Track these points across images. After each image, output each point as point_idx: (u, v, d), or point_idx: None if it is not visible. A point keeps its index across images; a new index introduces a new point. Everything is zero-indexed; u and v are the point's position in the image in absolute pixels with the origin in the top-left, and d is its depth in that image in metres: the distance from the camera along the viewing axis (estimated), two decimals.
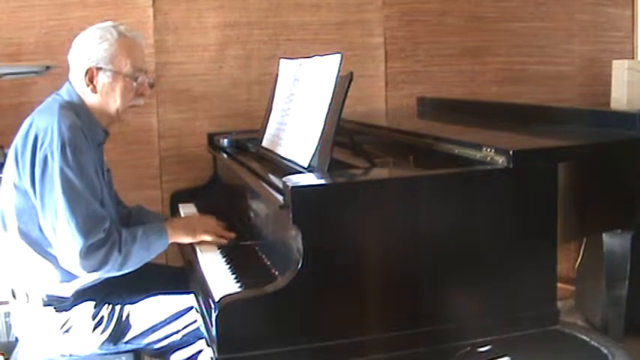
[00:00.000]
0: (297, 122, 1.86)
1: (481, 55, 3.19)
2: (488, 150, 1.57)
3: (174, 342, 1.79)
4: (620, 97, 2.90)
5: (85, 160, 1.68)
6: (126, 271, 1.72)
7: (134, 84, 1.83)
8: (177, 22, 2.82)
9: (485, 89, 3.18)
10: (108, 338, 1.75)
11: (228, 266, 1.74)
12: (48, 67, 2.36)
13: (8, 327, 2.36)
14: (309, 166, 1.67)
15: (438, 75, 3.15)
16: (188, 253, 1.93)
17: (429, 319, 1.48)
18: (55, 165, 1.64)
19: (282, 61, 2.16)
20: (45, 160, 1.65)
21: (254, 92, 2.90)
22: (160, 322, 1.77)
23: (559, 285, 1.58)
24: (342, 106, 1.62)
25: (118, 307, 1.78)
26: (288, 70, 2.08)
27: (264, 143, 2.07)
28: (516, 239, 1.53)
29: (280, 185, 1.49)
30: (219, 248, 1.88)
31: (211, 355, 1.42)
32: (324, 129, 1.65)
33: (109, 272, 1.70)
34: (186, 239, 1.89)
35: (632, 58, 3.34)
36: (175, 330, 1.78)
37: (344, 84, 1.62)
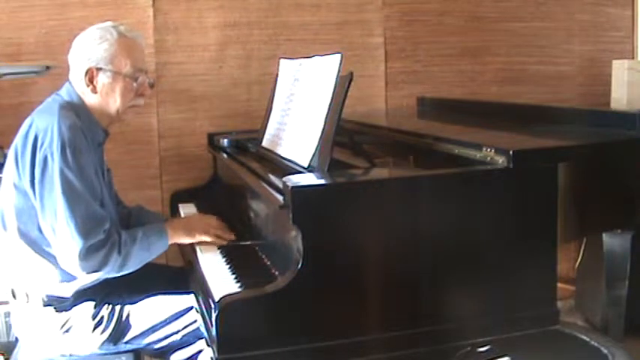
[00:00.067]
0: (297, 122, 1.86)
1: (481, 55, 3.19)
2: (488, 150, 1.57)
3: (174, 342, 1.79)
4: (620, 97, 2.90)
5: (84, 160, 1.68)
6: (126, 272, 1.72)
7: (134, 84, 1.83)
8: (177, 22, 2.82)
9: (485, 89, 3.18)
10: (108, 338, 1.75)
11: (228, 266, 1.74)
12: (48, 67, 2.36)
13: (8, 327, 2.36)
14: (309, 166, 1.67)
15: (438, 75, 3.15)
16: (188, 253, 1.93)
17: (429, 319, 1.48)
18: (54, 166, 1.64)
19: (282, 61, 2.16)
20: (45, 160, 1.65)
21: (254, 92, 2.90)
22: (160, 322, 1.77)
23: (559, 285, 1.58)
24: (342, 106, 1.62)
25: (118, 307, 1.78)
26: (288, 70, 2.08)
27: (264, 143, 2.07)
28: (516, 239, 1.53)
29: (280, 185, 1.49)
30: (219, 248, 1.88)
31: (211, 355, 1.42)
32: (324, 129, 1.65)
33: (109, 273, 1.70)
34: (186, 240, 1.89)
35: (632, 58, 3.34)
36: (175, 330, 1.78)
37: (344, 84, 1.62)
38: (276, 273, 1.63)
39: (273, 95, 2.13)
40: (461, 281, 1.50)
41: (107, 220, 1.69)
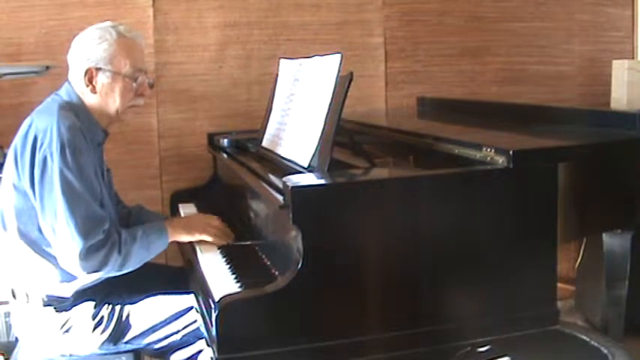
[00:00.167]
0: (297, 122, 1.86)
1: (481, 55, 3.19)
2: (488, 150, 1.57)
3: (174, 342, 1.79)
4: (620, 97, 2.90)
5: (84, 161, 1.68)
6: (126, 271, 1.72)
7: (133, 84, 1.83)
8: (177, 22, 2.82)
9: (485, 89, 3.18)
10: (108, 338, 1.75)
11: (228, 266, 1.74)
12: (48, 67, 2.36)
13: (8, 327, 2.36)
14: (309, 166, 1.67)
15: (438, 75, 3.15)
16: (188, 252, 1.93)
17: (429, 319, 1.48)
18: (54, 166, 1.64)
19: (282, 61, 2.16)
20: (44, 161, 1.65)
21: (254, 92, 2.90)
22: (160, 322, 1.77)
23: (559, 285, 1.58)
24: (342, 106, 1.62)
25: (118, 307, 1.78)
26: (288, 70, 2.08)
27: (264, 143, 2.07)
28: (516, 239, 1.53)
29: (280, 185, 1.49)
30: (219, 248, 1.88)
31: (211, 355, 1.42)
32: (324, 129, 1.65)
33: (109, 273, 1.70)
34: (186, 238, 1.89)
35: (632, 58, 3.34)
36: (175, 330, 1.78)
37: (344, 84, 1.62)
38: (276, 273, 1.63)
39: (273, 95, 2.13)
40: (461, 281, 1.50)
41: (107, 220, 1.69)
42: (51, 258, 1.70)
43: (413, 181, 1.53)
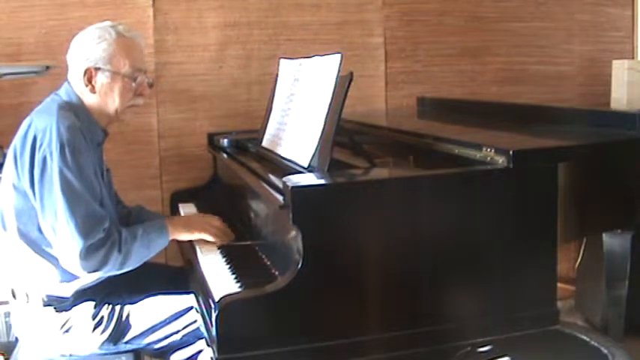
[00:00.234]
0: (297, 122, 1.86)
1: (481, 55, 3.19)
2: (488, 150, 1.57)
3: (174, 342, 1.79)
4: (620, 97, 2.90)
5: (84, 160, 1.68)
6: (126, 270, 1.72)
7: (133, 84, 1.83)
8: (177, 22, 2.82)
9: (485, 89, 3.18)
10: (108, 338, 1.75)
11: (228, 266, 1.74)
12: (48, 67, 2.36)
13: (8, 327, 2.36)
14: (309, 166, 1.67)
15: (438, 75, 3.15)
16: (188, 252, 1.93)
17: (429, 319, 1.48)
18: (54, 166, 1.64)
19: (282, 61, 2.16)
20: (44, 161, 1.65)
21: (254, 92, 2.90)
22: (160, 322, 1.77)
23: (559, 285, 1.58)
24: (342, 106, 1.62)
25: (118, 307, 1.78)
26: (288, 70, 2.08)
27: (264, 143, 2.07)
28: (516, 239, 1.53)
29: (280, 185, 1.49)
30: (219, 248, 1.88)
31: (211, 355, 1.42)
32: (324, 129, 1.65)
33: (110, 272, 1.70)
34: (186, 236, 1.88)
35: (632, 58, 3.34)
36: (175, 330, 1.78)
37: (344, 84, 1.62)
38: (276, 273, 1.63)
39: (273, 95, 2.13)
40: (461, 281, 1.50)
41: (107, 218, 1.69)
42: (51, 258, 1.70)
43: (413, 181, 1.53)
